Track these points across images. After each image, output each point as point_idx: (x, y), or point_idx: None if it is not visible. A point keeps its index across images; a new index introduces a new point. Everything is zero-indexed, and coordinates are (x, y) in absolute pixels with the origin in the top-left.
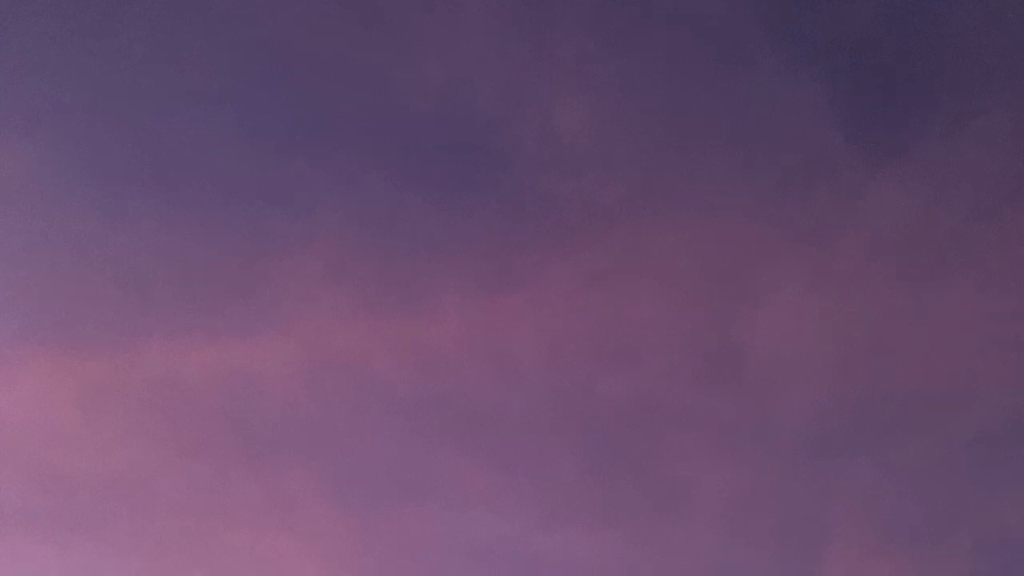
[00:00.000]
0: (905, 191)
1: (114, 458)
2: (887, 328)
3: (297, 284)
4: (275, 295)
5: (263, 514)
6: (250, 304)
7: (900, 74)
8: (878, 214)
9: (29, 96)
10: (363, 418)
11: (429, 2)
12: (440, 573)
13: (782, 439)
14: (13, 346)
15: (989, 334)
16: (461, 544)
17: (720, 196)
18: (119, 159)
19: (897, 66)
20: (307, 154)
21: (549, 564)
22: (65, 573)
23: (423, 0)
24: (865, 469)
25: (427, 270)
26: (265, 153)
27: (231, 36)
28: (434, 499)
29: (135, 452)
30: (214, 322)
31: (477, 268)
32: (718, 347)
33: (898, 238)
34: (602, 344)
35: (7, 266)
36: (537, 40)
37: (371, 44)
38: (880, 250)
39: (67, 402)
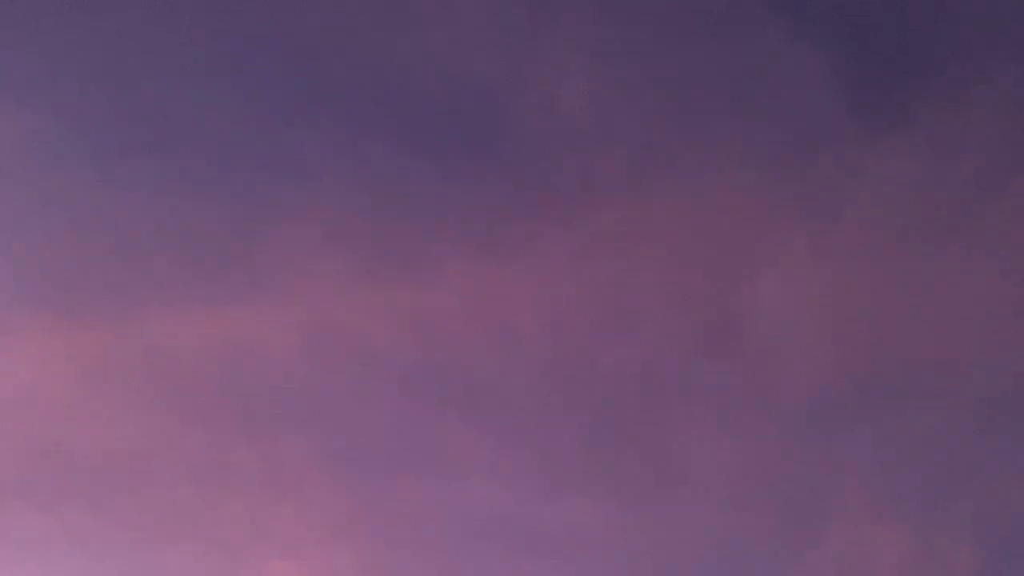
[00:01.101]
0: (907, 160)
1: (112, 427)
2: (888, 297)
3: (296, 252)
4: (274, 264)
5: (261, 484)
6: (249, 272)
7: (902, 44)
8: (880, 183)
9: (27, 66)
10: (362, 387)
11: None
12: (439, 544)
13: (783, 408)
14: (11, 315)
15: (991, 303)
16: (460, 515)
17: (721, 166)
18: (118, 128)
19: (899, 36)
20: (306, 122)
21: (549, 535)
22: (63, 542)
23: None
24: (866, 438)
25: (427, 238)
26: (264, 121)
27: (230, 5)
28: (433, 469)
29: (133, 421)
30: (212, 290)
31: (477, 236)
32: (719, 317)
33: (900, 207)
34: (602, 313)
35: (5, 235)
36: (538, 9)
37: (371, 12)
38: (882, 219)
39: (65, 371)
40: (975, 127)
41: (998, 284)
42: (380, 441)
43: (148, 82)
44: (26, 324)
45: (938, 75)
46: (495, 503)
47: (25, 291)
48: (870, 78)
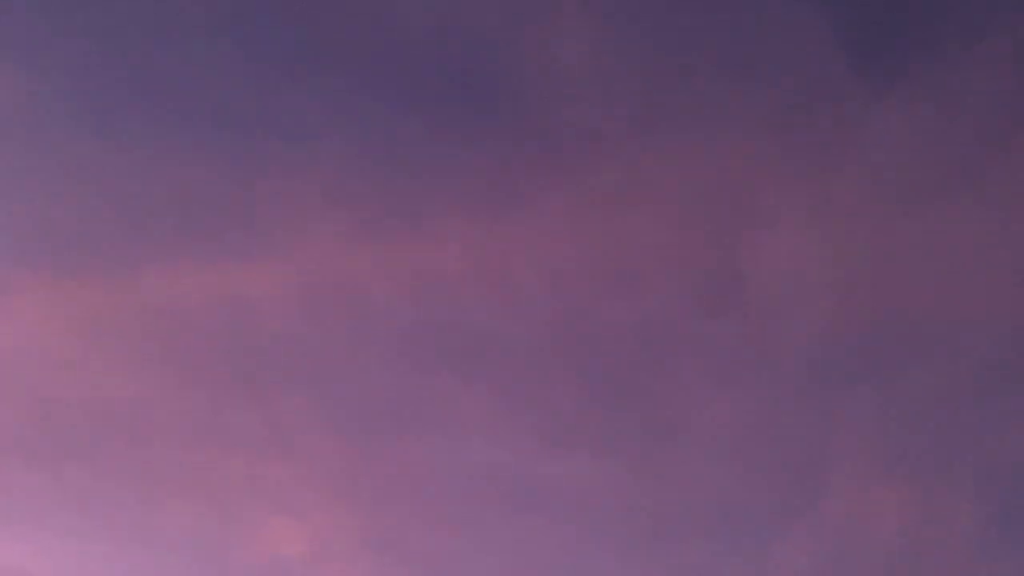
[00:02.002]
0: (908, 117)
1: (110, 385)
2: (890, 254)
3: (295, 210)
4: (273, 221)
5: (259, 442)
6: (248, 230)
7: (902, 0)
8: (881, 140)
9: (25, 23)
10: (361, 345)
11: None
12: (438, 501)
13: (784, 366)
14: (8, 273)
15: (993, 260)
16: (460, 472)
17: (722, 123)
18: (116, 85)
19: None
20: (306, 79)
21: (549, 491)
22: (60, 500)
23: None
24: (867, 397)
25: (426, 195)
26: (263, 78)
27: None
28: (433, 427)
29: (131, 379)
30: (211, 248)
31: (477, 194)
32: (720, 274)
33: (901, 164)
34: (603, 270)
35: (2, 194)
36: None
37: None
38: (883, 176)
39: (63, 329)
40: (976, 84)
41: (1000, 241)
42: (379, 399)
43: (146, 40)
44: (24, 282)
45: (938, 32)
46: (494, 460)
47: (23, 249)
48: (870, 35)
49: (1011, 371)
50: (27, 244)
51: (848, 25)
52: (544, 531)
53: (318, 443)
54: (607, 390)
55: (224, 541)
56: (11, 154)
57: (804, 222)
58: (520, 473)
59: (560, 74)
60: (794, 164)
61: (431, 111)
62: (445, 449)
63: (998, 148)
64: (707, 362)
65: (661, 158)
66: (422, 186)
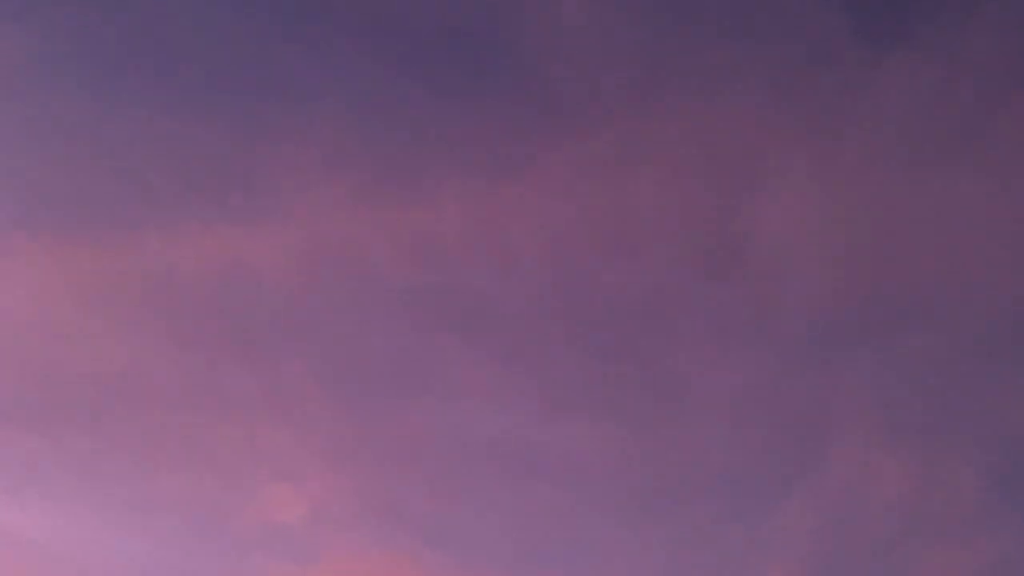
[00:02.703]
0: (911, 80)
1: (108, 350)
2: (893, 219)
3: (294, 173)
4: (272, 184)
5: (259, 407)
6: (247, 193)
7: None
8: (884, 103)
9: None
10: (361, 309)
11: None
12: (438, 466)
13: (786, 330)
14: (5, 237)
15: (995, 224)
16: (460, 437)
17: (724, 85)
18: (114, 47)
19: None
20: (305, 41)
21: (549, 457)
22: (58, 465)
23: None
24: (870, 362)
25: (426, 159)
26: (263, 41)
27: None
28: (433, 391)
29: (129, 343)
30: (211, 211)
31: (477, 157)
32: (721, 238)
33: (904, 127)
34: (603, 233)
35: (1, 156)
36: None
37: None
38: (886, 140)
39: (61, 293)
40: (979, 47)
41: (1003, 204)
42: (379, 364)
43: (146, 2)
44: (22, 247)
45: None
46: (494, 426)
47: (21, 213)
48: None
49: (1013, 336)
50: (25, 208)
51: None
52: (544, 496)
53: (317, 408)
54: (608, 354)
55: (223, 506)
56: (8, 117)
57: (806, 185)
58: (520, 437)
59: (561, 36)
60: (796, 127)
61: (431, 73)
62: (445, 414)
63: (1001, 111)
64: (708, 326)
65: (662, 121)
66: (422, 149)
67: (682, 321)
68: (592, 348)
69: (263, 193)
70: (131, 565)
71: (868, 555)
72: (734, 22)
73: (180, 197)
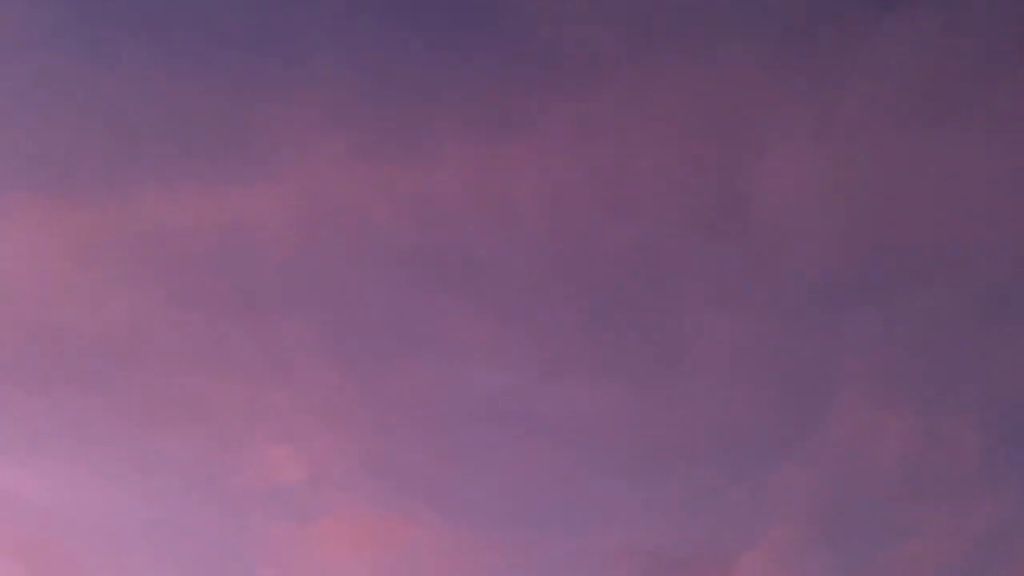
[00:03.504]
0: (913, 38)
1: (106, 309)
2: (895, 177)
3: (293, 132)
4: (270, 143)
5: (258, 367)
6: (245, 152)
7: None
8: (886, 61)
9: None
10: (360, 268)
11: None
12: (438, 426)
13: (787, 290)
14: (5, 196)
15: (998, 182)
16: (459, 397)
17: (724, 43)
18: (113, 7)
19: None
20: (303, 0)
21: (548, 416)
22: (56, 425)
23: None
24: (872, 321)
25: (426, 118)
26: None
27: None
28: (432, 351)
29: (127, 303)
30: (208, 171)
31: (477, 116)
32: (722, 197)
33: (905, 86)
34: (603, 194)
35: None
36: None
37: None
38: (888, 98)
39: (58, 252)
40: (979, 4)
41: (1005, 162)
42: (378, 323)
43: None
44: (17, 205)
45: None
46: (494, 386)
47: (16, 171)
48: None
49: (1016, 295)
50: (19, 166)
51: None
52: (544, 455)
53: (317, 368)
54: (608, 314)
55: (222, 466)
56: (8, 77)
57: (807, 144)
58: (520, 397)
59: None
60: (797, 85)
61: (430, 32)
62: (444, 373)
63: (1004, 68)
64: (709, 286)
65: (663, 79)
66: (421, 108)
67: (683, 281)
68: (592, 308)
69: (261, 152)
70: (130, 525)
71: (869, 514)
72: None
73: (177, 156)
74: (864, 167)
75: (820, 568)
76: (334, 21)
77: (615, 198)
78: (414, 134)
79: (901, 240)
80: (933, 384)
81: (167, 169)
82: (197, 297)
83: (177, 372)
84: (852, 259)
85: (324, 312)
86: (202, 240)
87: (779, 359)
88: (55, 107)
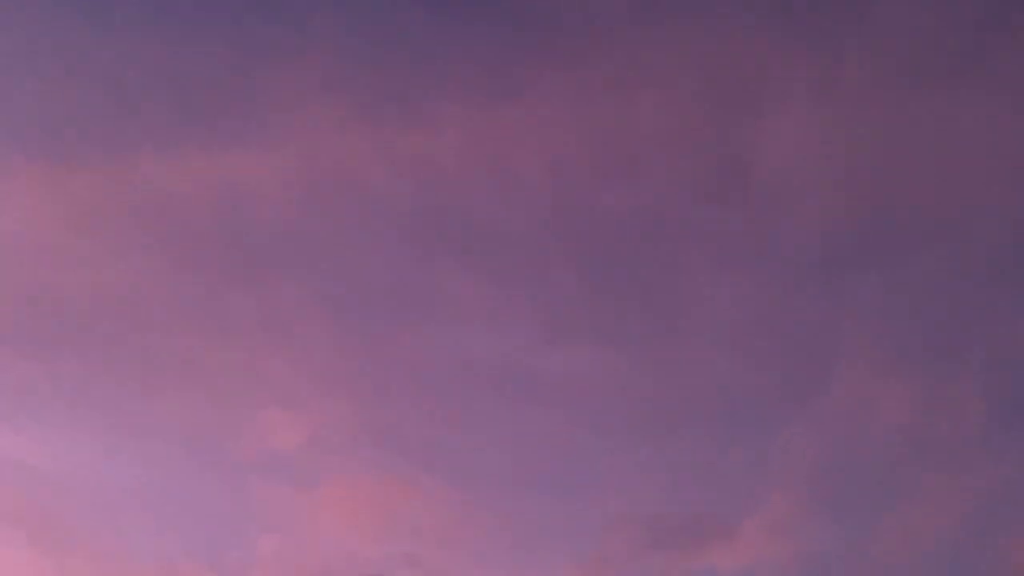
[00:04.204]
0: (912, 1)
1: (104, 273)
2: (897, 140)
3: (291, 95)
4: (269, 106)
5: (256, 331)
6: (243, 115)
7: None
8: (887, 23)
9: None
10: (359, 232)
11: None
12: (437, 390)
13: (789, 254)
14: (2, 159)
15: (1001, 145)
16: (459, 362)
17: (724, 7)
18: None
19: None
20: None
21: (548, 381)
22: (54, 390)
23: None
24: (874, 286)
25: (425, 80)
26: None
27: None
28: (432, 316)
29: (126, 267)
30: (206, 134)
31: (477, 79)
32: (723, 161)
33: (908, 48)
34: (604, 157)
35: None
36: None
37: None
38: (889, 60)
39: (56, 216)
40: None
41: (1008, 125)
42: (378, 287)
43: None
44: (15, 169)
45: None
46: (494, 350)
47: (14, 135)
48: None
49: (1018, 257)
50: (17, 130)
51: None
52: (544, 419)
53: (315, 332)
54: (608, 279)
55: (221, 432)
56: (7, 44)
57: (808, 107)
58: (520, 361)
59: None
60: (798, 48)
61: None
62: (444, 339)
63: (1007, 31)
64: (710, 250)
65: (663, 42)
66: (421, 70)
67: (683, 245)
68: (593, 271)
69: (259, 115)
70: (129, 490)
71: (872, 479)
72: None
73: (176, 120)
74: (864, 130)
75: (820, 534)
76: None
77: (615, 162)
78: (414, 98)
79: (902, 203)
80: (935, 349)
81: (166, 134)
82: (196, 262)
83: (176, 337)
84: (853, 223)
85: (323, 276)
86: (201, 205)
87: (780, 324)
88: (54, 73)
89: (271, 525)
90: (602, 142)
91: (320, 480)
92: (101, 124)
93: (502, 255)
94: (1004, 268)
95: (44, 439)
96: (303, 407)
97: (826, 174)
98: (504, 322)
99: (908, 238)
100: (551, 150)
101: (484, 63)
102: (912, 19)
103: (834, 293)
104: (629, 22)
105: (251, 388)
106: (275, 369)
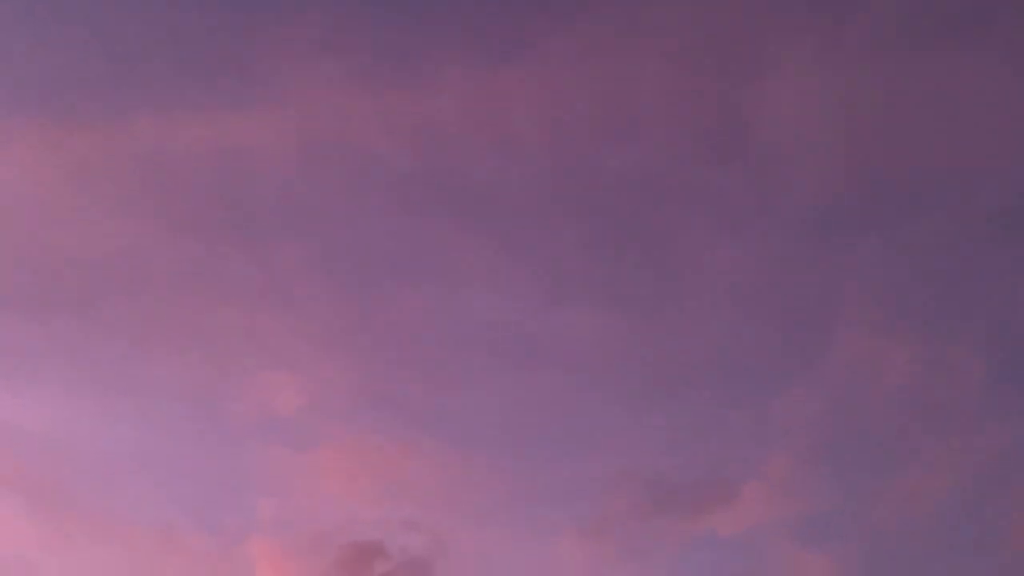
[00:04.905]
0: None
1: (102, 235)
2: (899, 102)
3: (290, 56)
4: (268, 67)
5: (255, 293)
6: (242, 76)
7: None
8: None
9: None
10: (358, 194)
11: None
12: (437, 353)
13: (790, 216)
14: (0, 120)
15: (1002, 108)
16: (459, 324)
17: None
18: None
19: None
20: None
21: (549, 343)
22: (51, 351)
23: None
24: (875, 248)
25: (425, 41)
26: None
27: None
28: (431, 278)
29: (124, 229)
30: (205, 95)
31: (476, 40)
32: (725, 121)
33: (910, 10)
34: (605, 118)
35: None
36: None
37: None
38: (892, 21)
39: (53, 177)
40: None
41: (1010, 88)
42: (377, 249)
43: None
44: (13, 129)
45: None
46: (494, 312)
47: (11, 95)
48: None
49: (1020, 220)
50: (14, 90)
51: None
52: (544, 382)
53: (314, 294)
54: (610, 240)
55: (219, 393)
56: (6, 3)
57: (810, 69)
58: (520, 323)
59: None
60: (798, 9)
61: None
62: (444, 301)
63: None
64: (711, 212)
65: (664, 4)
66: (420, 31)
67: (685, 207)
68: (593, 233)
69: (257, 76)
70: (126, 452)
71: (873, 442)
72: None
73: (173, 80)
74: (866, 91)
75: (822, 495)
76: None
77: (615, 123)
78: (413, 58)
79: (904, 165)
80: (937, 311)
81: (165, 94)
82: (195, 222)
83: (174, 298)
84: (855, 184)
85: (323, 238)
86: (199, 165)
87: (782, 286)
88: (49, 31)
89: (270, 488)
90: (603, 104)
91: (319, 443)
92: (100, 84)
93: (502, 217)
94: (1005, 230)
95: (41, 402)
96: (302, 370)
97: (828, 135)
98: (504, 284)
99: (909, 200)
100: (551, 112)
101: (483, 24)
102: None
103: (835, 255)
104: None
105: (250, 351)
106: (274, 331)
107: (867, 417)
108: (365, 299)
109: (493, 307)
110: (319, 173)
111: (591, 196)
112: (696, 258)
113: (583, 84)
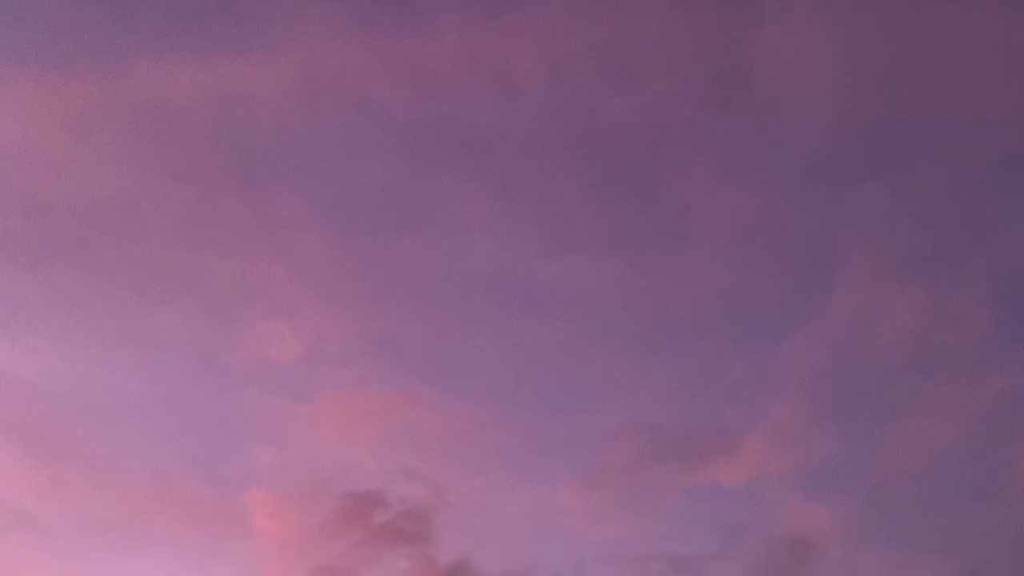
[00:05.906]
0: None
1: (99, 183)
2: (902, 47)
3: (289, 2)
4: (266, 13)
5: (254, 241)
6: (240, 22)
7: None
8: None
9: None
10: (357, 141)
11: None
12: (437, 302)
13: (792, 162)
14: None
15: (1007, 54)
16: (459, 271)
17: None
18: None
19: None
20: None
21: (550, 291)
22: (48, 300)
23: None
24: (878, 194)
25: None
26: None
27: None
28: (431, 225)
29: (121, 176)
30: (202, 41)
31: None
32: (726, 66)
33: None
34: (605, 63)
35: None
36: None
37: None
38: None
39: (50, 125)
40: None
41: (1012, 33)
42: (375, 196)
43: None
44: (8, 77)
45: None
46: (494, 259)
47: (7, 42)
48: None
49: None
50: (10, 37)
51: None
52: (545, 330)
53: (312, 242)
54: (610, 187)
55: (217, 342)
56: None
57: (812, 15)
58: (521, 271)
59: None
60: None
61: None
62: (444, 248)
63: None
64: (713, 157)
65: None
66: None
67: (687, 153)
68: (594, 180)
69: (256, 22)
70: (124, 401)
71: (875, 390)
72: None
73: (170, 26)
74: (872, 36)
75: (824, 445)
76: None
77: (616, 69)
78: (412, 4)
79: (906, 112)
80: (938, 257)
81: (160, 40)
82: (192, 170)
83: (172, 246)
84: (856, 131)
85: (321, 184)
86: (196, 112)
87: (784, 233)
88: None
89: (268, 437)
90: (603, 49)
91: (318, 392)
92: (96, 31)
93: (502, 163)
94: (1008, 177)
95: (38, 350)
96: (301, 318)
97: (829, 82)
98: (505, 231)
99: (912, 146)
100: (551, 57)
101: None
102: None
103: (837, 202)
104: None
105: (248, 298)
106: (272, 279)
107: (869, 365)
108: (364, 247)
109: (493, 254)
110: (317, 120)
111: (592, 142)
112: (698, 205)
113: (583, 30)
